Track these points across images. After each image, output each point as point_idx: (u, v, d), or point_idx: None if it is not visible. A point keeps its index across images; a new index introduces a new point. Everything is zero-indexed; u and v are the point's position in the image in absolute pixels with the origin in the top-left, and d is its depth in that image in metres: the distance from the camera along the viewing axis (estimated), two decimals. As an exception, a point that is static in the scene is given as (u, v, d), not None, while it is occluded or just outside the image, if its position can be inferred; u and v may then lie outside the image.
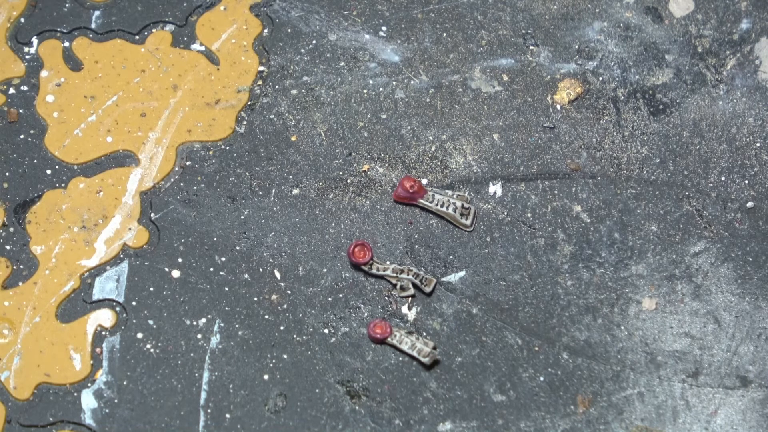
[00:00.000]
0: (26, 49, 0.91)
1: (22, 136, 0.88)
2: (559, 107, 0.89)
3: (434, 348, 0.82)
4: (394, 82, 0.90)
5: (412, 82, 0.90)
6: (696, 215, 0.86)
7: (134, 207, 0.86)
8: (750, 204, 0.86)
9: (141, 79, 0.90)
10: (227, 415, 0.81)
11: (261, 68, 0.91)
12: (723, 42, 0.91)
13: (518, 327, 0.83)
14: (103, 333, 0.83)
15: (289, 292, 0.84)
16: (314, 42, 0.91)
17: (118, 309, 0.84)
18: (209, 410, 0.81)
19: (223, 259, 0.85)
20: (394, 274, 0.84)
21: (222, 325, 0.83)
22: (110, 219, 0.86)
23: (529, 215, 0.86)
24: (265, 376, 0.82)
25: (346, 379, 0.82)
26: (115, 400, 0.82)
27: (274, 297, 0.84)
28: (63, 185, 0.87)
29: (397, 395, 0.82)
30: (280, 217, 0.86)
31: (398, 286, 0.84)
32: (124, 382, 0.82)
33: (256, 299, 0.84)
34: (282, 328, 0.83)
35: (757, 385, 0.82)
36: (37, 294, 0.84)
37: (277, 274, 0.85)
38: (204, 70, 0.90)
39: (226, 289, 0.84)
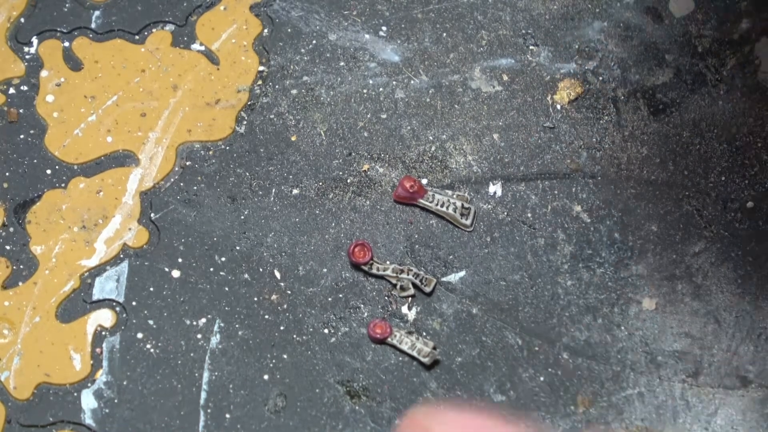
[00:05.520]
0: (26, 49, 0.91)
1: (22, 136, 0.88)
2: (559, 107, 0.89)
3: (434, 348, 0.82)
4: (394, 82, 0.90)
5: (412, 82, 0.90)
6: (696, 215, 0.86)
7: (134, 207, 0.86)
8: (750, 204, 0.86)
9: (141, 79, 0.90)
10: (227, 415, 0.81)
11: (261, 68, 0.91)
12: (723, 42, 0.91)
13: (518, 327, 0.83)
14: (103, 333, 0.83)
15: (289, 292, 0.84)
16: (314, 42, 0.91)
17: (118, 309, 0.84)
18: (209, 410, 0.81)
19: (223, 259, 0.85)
20: (394, 274, 0.84)
21: (222, 325, 0.83)
22: (110, 219, 0.86)
23: (529, 215, 0.86)
24: (265, 376, 0.82)
25: (346, 379, 0.82)
26: (115, 400, 0.82)
27: (274, 297, 0.84)
28: (63, 185, 0.87)
29: (397, 395, 0.82)
30: (280, 217, 0.86)
31: (398, 286, 0.84)
32: (124, 382, 0.82)
33: (256, 299, 0.84)
34: (282, 328, 0.83)
35: (757, 385, 0.82)
36: (37, 294, 0.84)
37: (277, 274, 0.85)
38: (204, 70, 0.90)
39: (226, 289, 0.84)
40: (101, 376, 0.82)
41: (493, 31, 0.92)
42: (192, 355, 0.83)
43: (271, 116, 0.89)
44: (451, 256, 0.85)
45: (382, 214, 0.87)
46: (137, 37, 0.91)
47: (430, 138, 0.88)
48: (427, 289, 0.84)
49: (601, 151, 0.88)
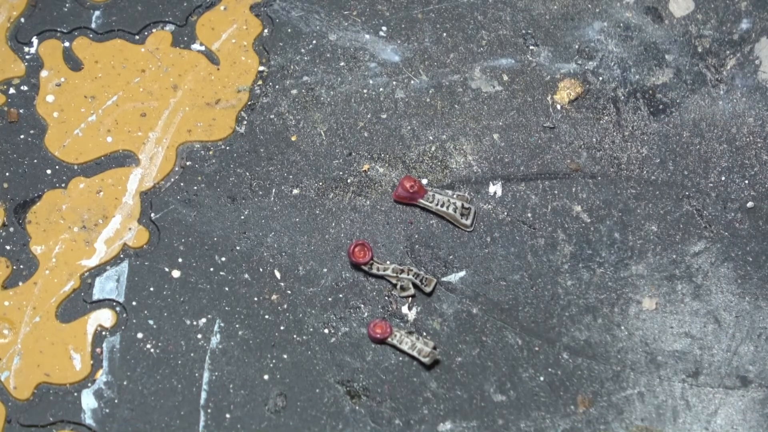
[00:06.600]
0: (26, 49, 0.91)
1: (22, 136, 0.88)
2: (559, 107, 0.89)
3: (434, 348, 0.82)
4: (394, 82, 0.90)
5: (412, 82, 0.90)
6: (696, 215, 0.86)
7: (134, 207, 0.86)
8: (750, 204, 0.86)
9: (141, 79, 0.90)
10: (227, 415, 0.81)
11: (261, 68, 0.91)
12: (723, 42, 0.91)
13: (518, 327, 0.83)
14: (103, 333, 0.83)
15: (289, 292, 0.84)
16: (314, 42, 0.91)
17: (118, 309, 0.84)
18: (209, 410, 0.81)
19: (223, 259, 0.85)
20: (394, 274, 0.84)
21: (222, 325, 0.83)
22: (110, 219, 0.86)
23: (529, 215, 0.86)
24: (265, 376, 0.82)
25: (346, 379, 0.82)
26: (115, 400, 0.82)
27: (274, 297, 0.84)
28: (63, 185, 0.87)
29: (397, 395, 0.82)
30: (280, 217, 0.86)
31: (398, 286, 0.84)
32: (124, 382, 0.82)
33: (256, 299, 0.84)
34: (282, 328, 0.83)
35: (757, 385, 0.82)
36: (37, 294, 0.84)
37: (277, 274, 0.85)
38: (204, 70, 0.90)
39: (226, 289, 0.84)
40: (101, 376, 0.82)
41: (493, 31, 0.92)
42: (192, 355, 0.83)
43: (271, 116, 0.89)
44: (451, 256, 0.85)
45: (382, 214, 0.87)
46: (137, 37, 0.91)
47: (430, 138, 0.88)
48: (427, 289, 0.84)
49: (601, 151, 0.88)
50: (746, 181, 0.87)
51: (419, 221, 0.86)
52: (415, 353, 0.82)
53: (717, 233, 0.85)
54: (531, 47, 0.91)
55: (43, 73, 0.90)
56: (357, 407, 0.82)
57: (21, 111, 0.89)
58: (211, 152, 0.88)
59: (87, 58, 0.91)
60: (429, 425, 0.81)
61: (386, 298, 0.84)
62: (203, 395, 0.82)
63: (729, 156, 0.88)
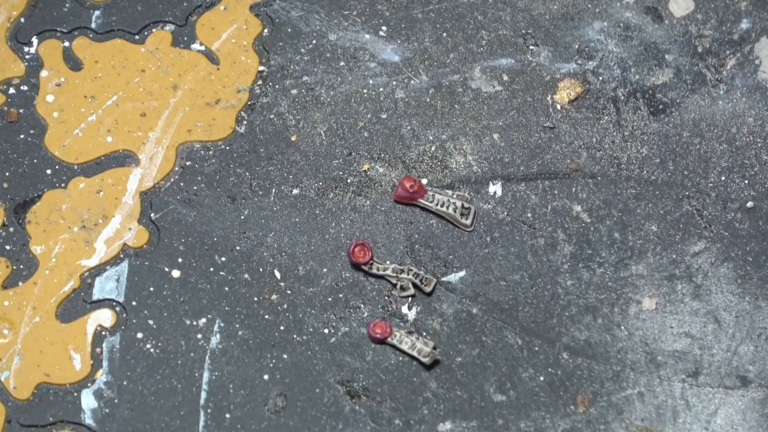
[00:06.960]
0: (26, 49, 0.91)
1: (22, 136, 0.88)
2: (559, 107, 0.89)
3: (434, 348, 0.82)
4: (394, 82, 0.90)
5: (412, 81, 0.90)
6: (696, 215, 0.86)
7: (134, 207, 0.86)
8: (750, 204, 0.86)
9: (141, 78, 0.90)
10: (227, 415, 0.81)
11: (261, 68, 0.91)
12: (723, 42, 0.91)
13: (518, 327, 0.83)
14: (103, 333, 0.83)
15: (289, 292, 0.84)
16: (314, 42, 0.91)
17: (118, 309, 0.84)
18: (209, 410, 0.81)
19: (223, 259, 0.85)
20: (394, 274, 0.84)
21: (222, 325, 0.83)
22: (110, 219, 0.86)
23: (529, 215, 0.86)
24: (265, 376, 0.82)
25: (346, 379, 0.82)
26: (115, 400, 0.82)
27: (274, 297, 0.84)
28: (63, 185, 0.87)
29: (397, 395, 0.82)
30: (280, 217, 0.86)
31: (398, 286, 0.84)
32: (124, 382, 0.82)
33: (256, 299, 0.84)
34: (282, 328, 0.83)
35: (757, 385, 0.82)
36: (37, 294, 0.84)
37: (277, 274, 0.85)
38: (204, 69, 0.90)
39: (226, 289, 0.84)
40: (101, 376, 0.82)
41: (493, 31, 0.92)
42: (192, 355, 0.83)
43: (271, 116, 0.89)
44: (451, 256, 0.85)
45: (382, 214, 0.87)
46: (137, 37, 0.91)
47: (430, 138, 0.88)
48: (427, 289, 0.84)
49: (601, 151, 0.88)
50: (746, 181, 0.87)
51: (419, 221, 0.86)
52: (415, 353, 0.82)
53: (717, 233, 0.85)
54: (531, 47, 0.91)
55: (43, 73, 0.90)
56: (357, 407, 0.82)
57: (21, 111, 0.89)
58: (211, 152, 0.88)
59: (87, 58, 0.91)
60: (429, 425, 0.81)
61: (386, 298, 0.84)
62: (203, 395, 0.82)
63: (729, 156, 0.88)
